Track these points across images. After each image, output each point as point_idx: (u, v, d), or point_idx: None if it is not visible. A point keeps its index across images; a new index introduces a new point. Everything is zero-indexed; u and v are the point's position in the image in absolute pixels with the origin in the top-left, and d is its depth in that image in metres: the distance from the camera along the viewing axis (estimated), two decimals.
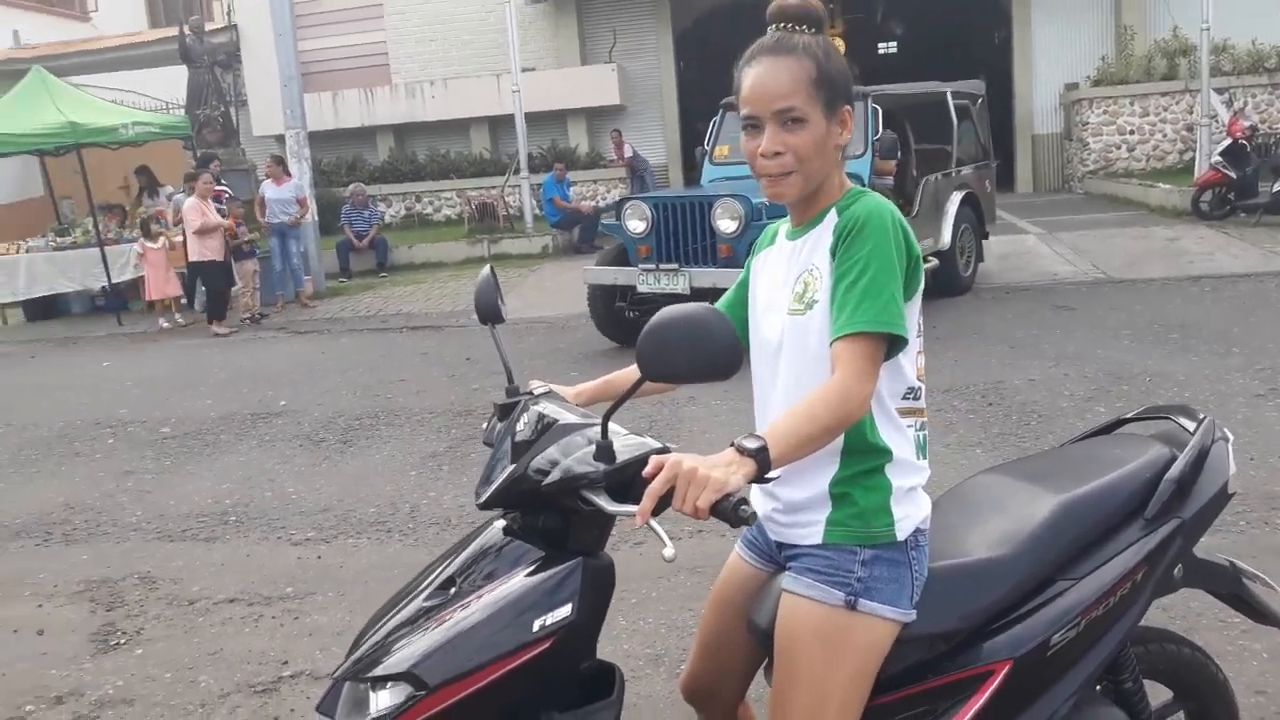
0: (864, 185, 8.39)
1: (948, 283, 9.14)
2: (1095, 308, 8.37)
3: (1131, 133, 16.67)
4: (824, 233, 1.71)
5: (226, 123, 17.04)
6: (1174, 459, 1.99)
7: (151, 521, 5.11)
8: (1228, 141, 11.99)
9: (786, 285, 1.75)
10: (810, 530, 1.74)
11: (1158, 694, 2.18)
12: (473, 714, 1.51)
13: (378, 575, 4.20)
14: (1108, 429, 2.32)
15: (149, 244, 11.65)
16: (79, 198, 16.02)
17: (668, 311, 1.44)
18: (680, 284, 7.70)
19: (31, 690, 3.47)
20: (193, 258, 11.07)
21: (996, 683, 1.76)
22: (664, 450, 1.53)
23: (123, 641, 3.81)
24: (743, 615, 1.91)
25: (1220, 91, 14.86)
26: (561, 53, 19.57)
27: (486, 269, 2.05)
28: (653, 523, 1.42)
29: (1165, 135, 16.63)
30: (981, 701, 1.76)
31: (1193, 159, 14.74)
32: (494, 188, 17.49)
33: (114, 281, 12.45)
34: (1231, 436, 2.16)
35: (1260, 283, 8.80)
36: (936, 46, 21.45)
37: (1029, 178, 18.35)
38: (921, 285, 1.70)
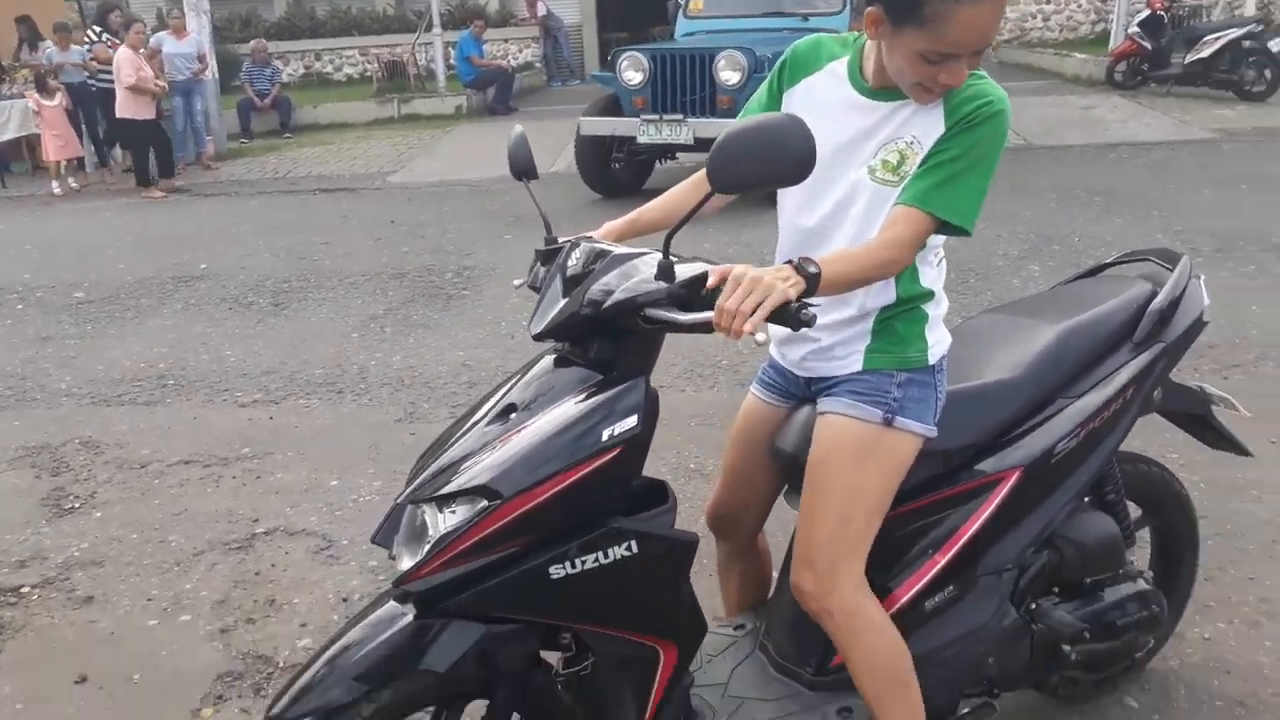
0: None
1: None
2: (1019, 172, 8.52)
3: (1047, 2, 16.76)
4: (933, 108, 1.68)
5: None
6: (1156, 292, 2.19)
7: (82, 387, 4.90)
8: (1147, 13, 12.15)
9: (867, 142, 1.74)
10: (850, 360, 1.84)
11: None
12: (541, 523, 1.56)
13: (336, 434, 4.14)
14: (1092, 273, 2.49)
15: (45, 101, 10.76)
16: None
17: (740, 123, 1.45)
18: (684, 135, 7.68)
19: None
20: (122, 114, 10.26)
21: (1008, 488, 1.96)
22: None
23: (77, 505, 3.69)
24: (762, 448, 2.03)
25: None
26: None
27: (519, 127, 2.01)
28: (763, 326, 1.46)
29: (1080, 6, 16.78)
30: (995, 504, 1.96)
31: (1103, 30, 14.94)
32: (400, 46, 16.70)
33: None
34: (1204, 276, 2.35)
35: (1173, 150, 9.07)
36: None
37: None
38: None
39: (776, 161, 1.43)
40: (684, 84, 7.83)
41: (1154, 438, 3.22)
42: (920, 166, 1.68)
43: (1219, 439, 2.49)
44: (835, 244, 1.78)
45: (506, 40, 17.47)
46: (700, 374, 4.52)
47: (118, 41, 11.01)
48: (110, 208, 9.83)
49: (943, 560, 1.96)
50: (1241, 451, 2.51)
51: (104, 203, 10.14)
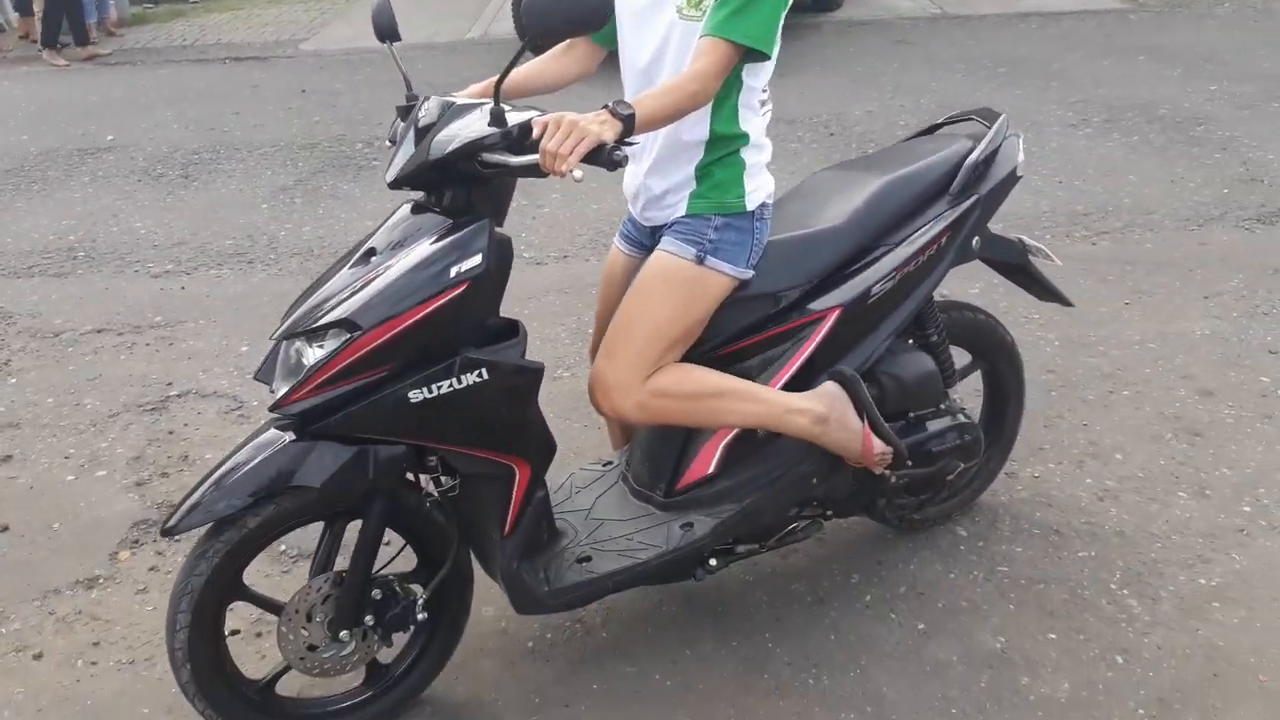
0: None
1: (823, 2, 9.55)
2: (931, 43, 8.64)
3: None
4: None
5: None
6: (973, 149, 2.40)
7: None
8: None
9: None
10: (677, 207, 2.05)
11: (960, 359, 2.62)
12: (400, 352, 1.78)
13: (247, 303, 4.27)
14: (928, 131, 2.69)
15: None
16: None
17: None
18: None
19: None
20: None
21: (829, 325, 2.20)
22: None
23: None
24: (623, 294, 2.22)
25: None
26: None
27: None
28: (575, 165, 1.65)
29: None
30: (817, 340, 2.20)
31: None
32: None
33: None
34: (1022, 134, 2.61)
35: (1081, 20, 9.21)
36: None
37: None
38: None
39: (574, 7, 1.61)
40: None
41: (1017, 299, 3.51)
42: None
43: (1044, 291, 2.72)
44: (659, 80, 1.93)
45: None
46: (605, 243, 4.69)
47: None
48: (8, 76, 9.48)
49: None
50: (1063, 302, 2.76)
51: (2, 71, 9.76)
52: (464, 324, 1.83)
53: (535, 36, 1.64)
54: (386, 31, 2.09)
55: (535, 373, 1.92)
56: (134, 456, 3.20)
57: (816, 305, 2.20)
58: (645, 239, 2.21)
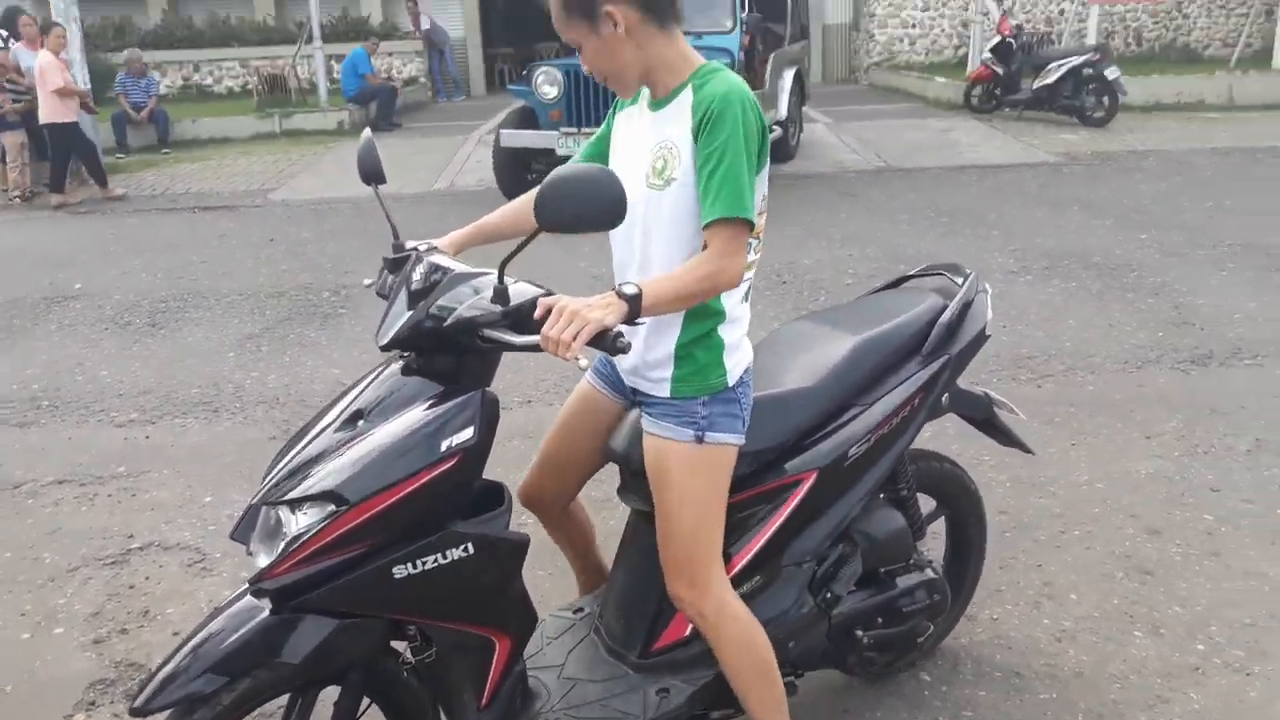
0: (734, 60, 8.58)
1: (780, 150, 10.13)
2: (877, 194, 9.07)
3: (914, 26, 17.64)
4: (681, 110, 1.92)
5: None
6: (945, 307, 2.46)
7: None
8: (997, 39, 12.94)
9: (647, 154, 1.97)
10: (659, 385, 2.06)
11: (926, 505, 2.68)
12: (385, 526, 1.75)
13: (211, 452, 4.28)
14: (894, 284, 2.77)
15: None
16: None
17: (563, 171, 1.67)
18: None
19: None
20: (48, 120, 10.02)
21: (805, 488, 2.20)
22: (549, 294, 1.78)
23: None
24: (590, 434, 2.27)
25: None
26: None
27: (367, 132, 2.22)
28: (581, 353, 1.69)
29: (943, 30, 17.70)
30: (794, 504, 2.19)
31: (966, 54, 15.81)
32: (281, 58, 16.57)
33: None
34: (990, 289, 2.67)
35: (1018, 173, 9.76)
36: None
37: (818, 67, 19.12)
38: (768, 149, 1.96)
39: (591, 208, 1.65)
40: (598, 98, 8.27)
41: (970, 442, 3.63)
42: (697, 188, 1.87)
43: (1006, 439, 2.77)
44: (632, 247, 2.02)
45: (391, 54, 17.49)
46: (569, 388, 4.79)
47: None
48: None
49: (750, 552, 2.19)
50: (1024, 449, 2.84)
51: None
52: (451, 495, 1.80)
53: (547, 228, 1.68)
54: (371, 174, 2.14)
55: (520, 545, 1.89)
56: (93, 613, 3.16)
57: (793, 468, 2.19)
58: (619, 383, 2.24)
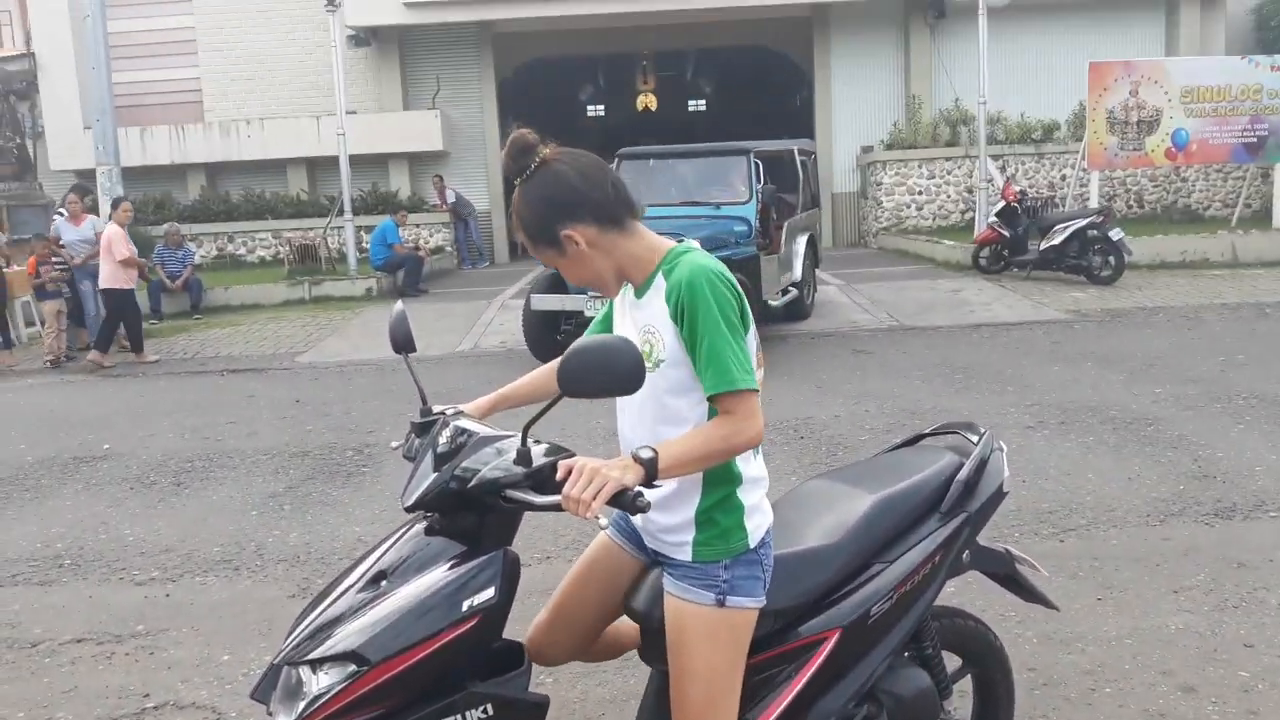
0: (751, 228, 9.12)
1: (796, 309, 10.62)
2: (890, 352, 9.21)
3: (920, 193, 18.26)
4: (656, 295, 2.02)
5: (22, 155, 16.23)
6: (962, 465, 2.48)
7: None
8: (1002, 204, 13.38)
9: (636, 339, 2.06)
10: (680, 548, 2.09)
11: (950, 662, 2.64)
12: (406, 686, 1.76)
13: (231, 610, 4.27)
14: (911, 442, 2.81)
15: None
16: None
17: (584, 341, 1.78)
18: None
19: None
20: (107, 285, 10.51)
21: (829, 647, 2.19)
22: (570, 455, 1.85)
23: None
24: (606, 588, 2.28)
25: (995, 158, 16.57)
26: (384, 97, 19.61)
27: (399, 304, 2.34)
28: (601, 511, 1.74)
29: (949, 196, 18.31)
30: (818, 664, 2.18)
31: (972, 218, 16.32)
32: (313, 229, 17.27)
33: None
34: (1005, 447, 2.70)
35: (1030, 330, 9.91)
36: (742, 105, 22.79)
37: (829, 233, 19.74)
38: (749, 310, 2.04)
39: (611, 375, 1.74)
40: None
41: (994, 598, 3.60)
42: (694, 364, 1.96)
43: (1030, 595, 2.76)
44: (627, 419, 2.10)
45: (419, 225, 18.19)
46: (587, 544, 4.79)
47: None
48: (13, 389, 9.85)
49: (774, 714, 2.15)
50: (1049, 605, 2.81)
51: (5, 384, 10.15)
52: (471, 655, 1.81)
53: (570, 394, 1.76)
54: (403, 343, 2.27)
55: (542, 706, 1.89)
56: None
57: (815, 626, 2.19)
58: (641, 540, 2.26)
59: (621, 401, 2.14)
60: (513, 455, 1.84)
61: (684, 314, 1.94)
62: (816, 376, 8.28)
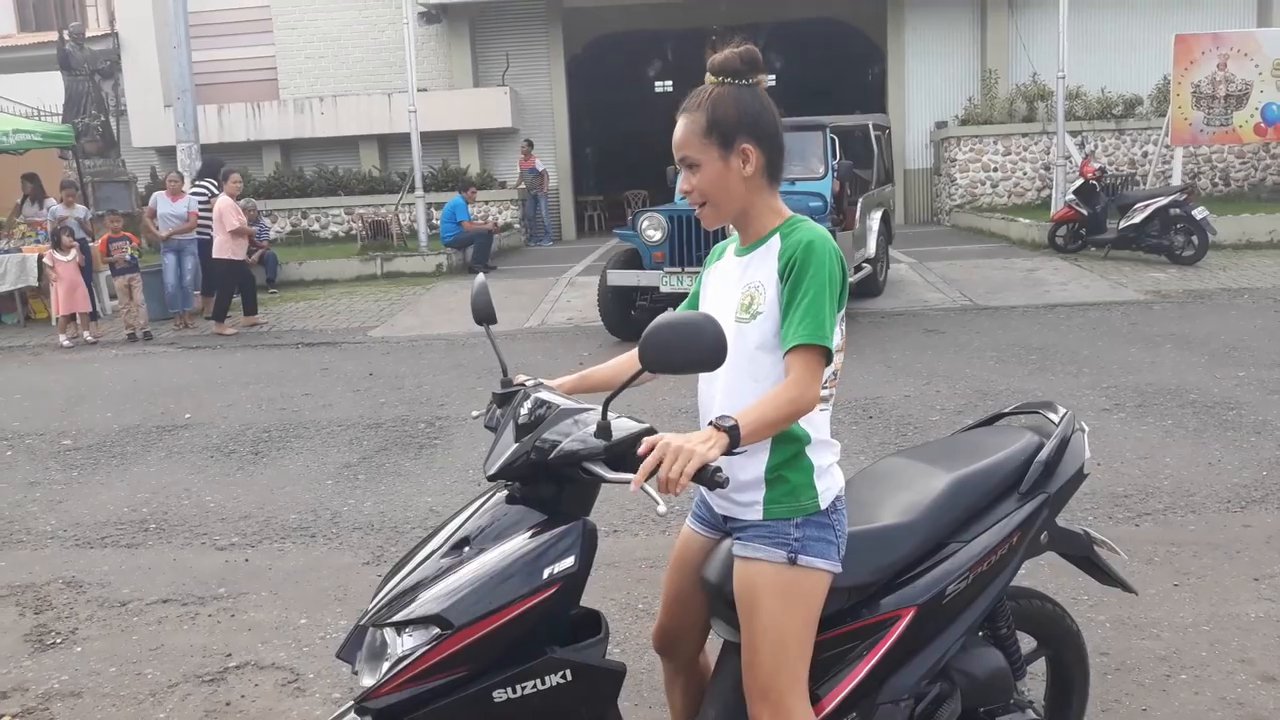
0: (826, 203, 9.08)
1: (868, 286, 10.66)
2: (962, 332, 9.07)
3: (995, 170, 17.88)
4: (768, 254, 2.06)
5: (106, 132, 16.66)
6: (1042, 445, 2.45)
7: (68, 530, 5.15)
8: (1080, 181, 13.04)
9: (734, 295, 2.11)
10: (751, 508, 2.10)
11: (1026, 644, 2.61)
12: (487, 650, 1.80)
13: (308, 576, 4.40)
14: (989, 421, 2.78)
15: (59, 256, 11.12)
16: None
17: (666, 317, 1.78)
18: None
19: None
20: (220, 255, 11.04)
21: (903, 626, 2.18)
22: (651, 431, 1.86)
23: (59, 641, 3.91)
24: (696, 574, 2.28)
25: (1074, 134, 16.14)
26: (454, 74, 19.77)
27: (481, 276, 2.37)
28: (646, 487, 1.76)
29: (1025, 173, 17.90)
30: (891, 641, 2.17)
31: (1049, 195, 15.94)
32: (384, 206, 17.52)
33: None
34: (1088, 428, 2.66)
35: (1107, 311, 9.68)
36: (814, 80, 22.50)
37: (901, 210, 19.44)
38: (846, 295, 2.08)
39: (694, 351, 1.75)
40: (699, 240, 8.81)
41: (1066, 580, 3.55)
42: (782, 320, 1.99)
43: (1107, 578, 2.72)
44: (719, 387, 2.10)
45: (488, 202, 18.34)
46: (652, 518, 4.83)
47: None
48: (99, 359, 10.20)
49: (846, 689, 2.16)
50: (1127, 588, 2.76)
51: (92, 353, 10.52)
52: (551, 621, 1.84)
53: (650, 370, 1.76)
54: (484, 316, 2.30)
55: (618, 674, 1.90)
56: None
57: (890, 604, 2.18)
58: (718, 523, 2.27)
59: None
60: (592, 428, 1.86)
61: (794, 269, 1.98)
62: (886, 356, 8.20)
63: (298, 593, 4.24)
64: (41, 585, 4.45)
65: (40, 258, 11.60)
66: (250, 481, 5.78)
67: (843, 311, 2.05)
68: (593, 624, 1.94)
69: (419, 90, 15.82)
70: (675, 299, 9.21)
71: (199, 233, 11.95)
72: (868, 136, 11.00)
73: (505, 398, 2.14)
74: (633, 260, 9.33)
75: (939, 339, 8.81)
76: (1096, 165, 13.51)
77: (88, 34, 17.37)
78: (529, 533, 1.88)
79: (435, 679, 1.77)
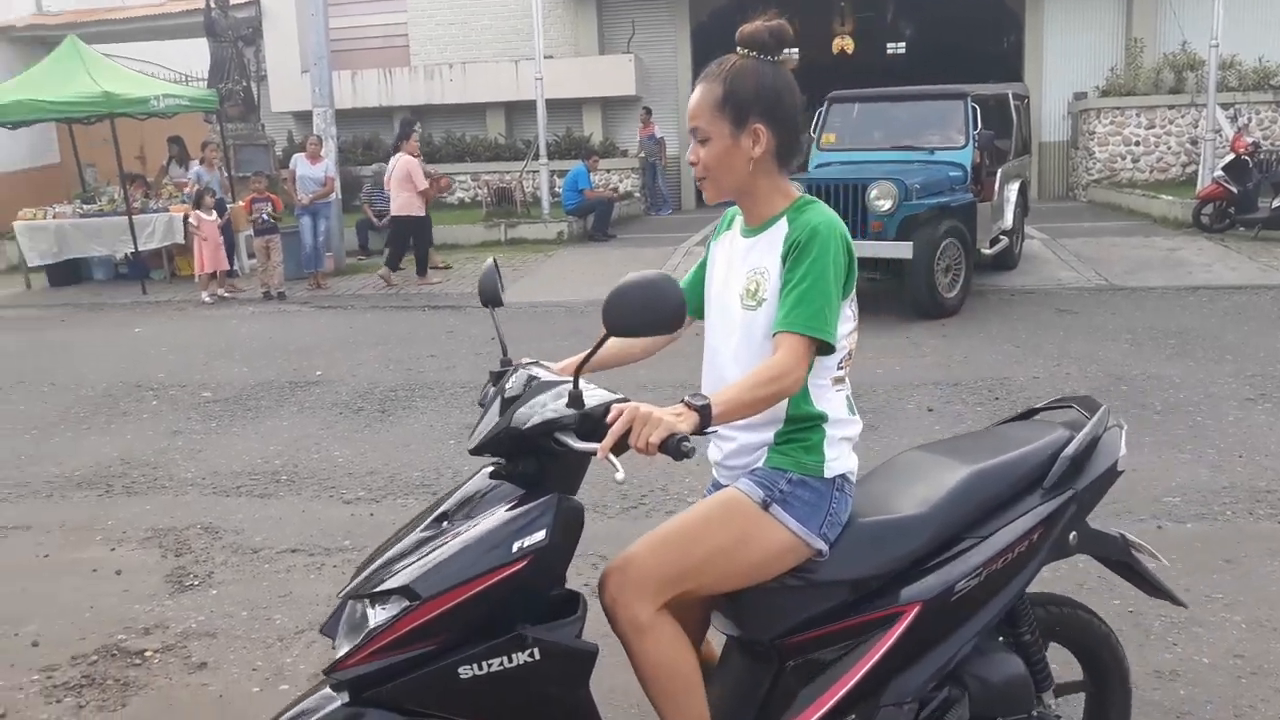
0: (966, 174, 8.94)
1: (1004, 259, 10.43)
2: (1097, 313, 8.71)
3: (1137, 144, 17.01)
4: (775, 238, 2.01)
5: (247, 97, 17.33)
6: (1070, 440, 2.30)
7: (206, 478, 5.43)
8: (1231, 156, 12.30)
9: (739, 278, 2.07)
10: (756, 459, 2.07)
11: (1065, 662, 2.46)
12: (457, 624, 1.78)
13: None
14: (1024, 416, 2.61)
15: (204, 216, 11.68)
16: (102, 166, 16.32)
17: (628, 277, 1.76)
18: None
19: (119, 622, 3.81)
20: (401, 212, 11.64)
21: (907, 622, 2.07)
22: (625, 400, 1.84)
23: (196, 583, 4.14)
24: None
25: (1225, 107, 15.18)
26: (580, 42, 19.83)
27: (490, 260, 2.37)
28: (610, 456, 1.75)
29: (1169, 148, 16.96)
30: (895, 638, 2.07)
31: (1194, 171, 15.08)
32: (509, 173, 17.76)
33: (139, 250, 12.72)
34: (1125, 425, 2.49)
35: (1255, 295, 9.14)
36: (945, 48, 21.78)
37: (1034, 184, 18.69)
38: (855, 279, 2.02)
39: (654, 312, 1.74)
40: (836, 209, 8.45)
41: (1197, 578, 3.39)
42: (779, 300, 1.95)
43: (1154, 589, 2.51)
44: (724, 362, 2.08)
45: (610, 171, 18.41)
46: (640, 496, 4.80)
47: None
48: (236, 316, 10.68)
49: (844, 688, 2.05)
50: (1174, 601, 2.54)
51: (231, 310, 11.02)
52: (523, 598, 1.82)
53: (614, 333, 1.77)
54: (490, 298, 2.29)
55: (588, 655, 1.86)
56: (314, 674, 3.38)
57: (895, 599, 2.08)
58: None
59: (714, 345, 2.13)
60: (566, 399, 1.84)
61: (797, 252, 1.95)
62: (1016, 335, 7.93)
63: None
64: (182, 530, 4.72)
65: (185, 217, 12.16)
66: (376, 438, 5.98)
67: (852, 296, 2.02)
68: (573, 605, 1.90)
69: (545, 58, 15.94)
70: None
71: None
72: (1007, 106, 10.64)
73: (499, 376, 2.12)
74: None
75: (1071, 319, 8.47)
76: (1250, 140, 12.72)
77: (232, 2, 18.04)
78: (506, 507, 1.86)
79: (404, 651, 1.77)
